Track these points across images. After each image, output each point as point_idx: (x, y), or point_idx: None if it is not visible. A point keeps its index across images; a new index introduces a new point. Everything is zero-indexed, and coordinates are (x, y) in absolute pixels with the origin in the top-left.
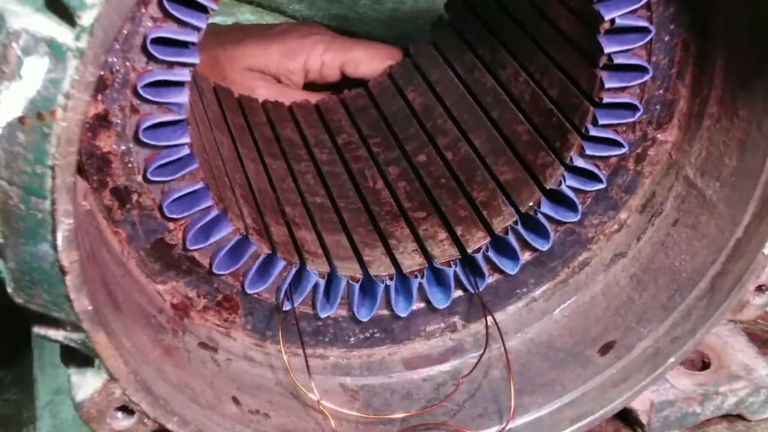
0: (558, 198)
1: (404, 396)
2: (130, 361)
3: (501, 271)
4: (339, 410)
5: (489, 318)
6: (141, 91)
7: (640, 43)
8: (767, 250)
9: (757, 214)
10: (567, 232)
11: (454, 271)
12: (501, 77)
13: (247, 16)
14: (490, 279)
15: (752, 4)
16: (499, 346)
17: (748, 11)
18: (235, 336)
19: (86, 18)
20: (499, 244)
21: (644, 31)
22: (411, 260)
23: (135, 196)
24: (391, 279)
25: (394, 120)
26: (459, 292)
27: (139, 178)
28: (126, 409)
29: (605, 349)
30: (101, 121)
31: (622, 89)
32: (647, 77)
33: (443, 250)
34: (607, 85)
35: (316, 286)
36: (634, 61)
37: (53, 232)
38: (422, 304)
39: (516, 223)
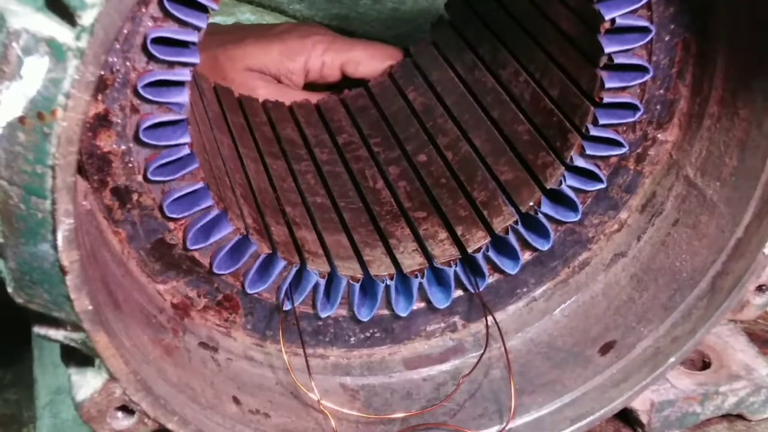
0: (558, 198)
1: (404, 396)
2: (131, 360)
3: (501, 271)
4: (339, 410)
5: (489, 318)
6: (141, 91)
7: (641, 43)
8: (767, 249)
9: (758, 214)
10: (567, 231)
11: (455, 271)
12: (501, 77)
13: (248, 15)
14: (491, 279)
15: (752, 4)
16: (500, 346)
17: (748, 11)
18: (235, 336)
19: (86, 18)
20: (500, 244)
21: (644, 30)
22: (411, 260)
23: (135, 196)
24: (392, 279)
25: (395, 120)
26: (459, 292)
27: (140, 177)
28: (126, 409)
29: (605, 348)
30: (101, 121)
31: (623, 89)
32: (647, 77)
33: (443, 250)
34: (608, 85)
35: (316, 285)
36: (634, 60)
37: (53, 232)
38: (422, 304)
39: (516, 222)
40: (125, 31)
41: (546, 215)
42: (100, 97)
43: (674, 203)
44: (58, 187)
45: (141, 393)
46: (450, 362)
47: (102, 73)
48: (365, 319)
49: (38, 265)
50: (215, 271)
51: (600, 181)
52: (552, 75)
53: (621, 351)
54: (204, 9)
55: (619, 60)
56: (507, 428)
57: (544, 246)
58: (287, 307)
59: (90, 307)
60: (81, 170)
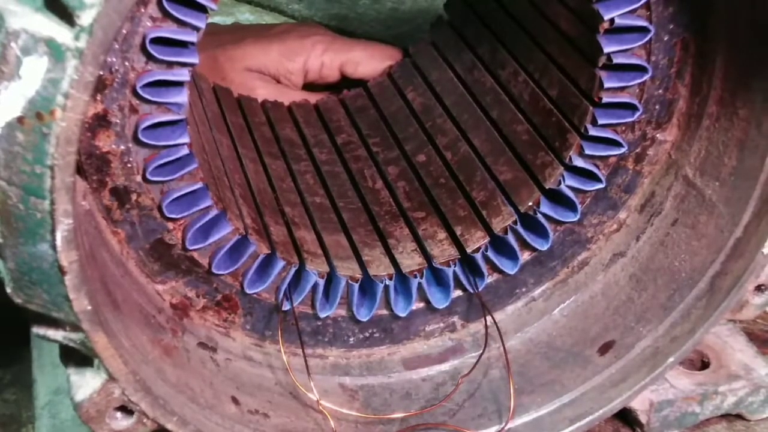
0: (557, 198)
1: (403, 396)
2: (130, 361)
3: (500, 271)
4: (338, 410)
5: (488, 318)
6: (140, 91)
7: (640, 43)
8: (766, 249)
9: (757, 214)
10: (566, 231)
11: (454, 271)
12: (500, 77)
13: (247, 15)
14: (490, 279)
15: (752, 4)
16: (499, 346)
17: (747, 11)
18: (234, 336)
19: (85, 18)
20: (499, 244)
21: (643, 30)
22: (410, 260)
23: (134, 196)
24: (391, 279)
25: (394, 120)
26: (458, 292)
27: (139, 178)
28: (125, 409)
29: (604, 348)
30: (100, 121)
31: (622, 89)
32: (646, 77)
33: (442, 250)
34: (607, 85)
35: (315, 285)
36: (633, 60)
37: (52, 232)
38: (421, 304)
39: (515, 222)
40: (124, 31)
41: (545, 215)
42: (99, 97)
43: (673, 203)
44: (57, 187)
45: (140, 393)
46: (449, 362)
47: (101, 73)
48: (364, 319)
49: (37, 266)
50: (214, 271)
51: (599, 181)
52: (551, 75)
53: (620, 351)
54: (203, 9)
55: (618, 60)
56: (506, 428)
57: (543, 246)
58: (286, 307)
59: (89, 308)
60: (80, 170)
